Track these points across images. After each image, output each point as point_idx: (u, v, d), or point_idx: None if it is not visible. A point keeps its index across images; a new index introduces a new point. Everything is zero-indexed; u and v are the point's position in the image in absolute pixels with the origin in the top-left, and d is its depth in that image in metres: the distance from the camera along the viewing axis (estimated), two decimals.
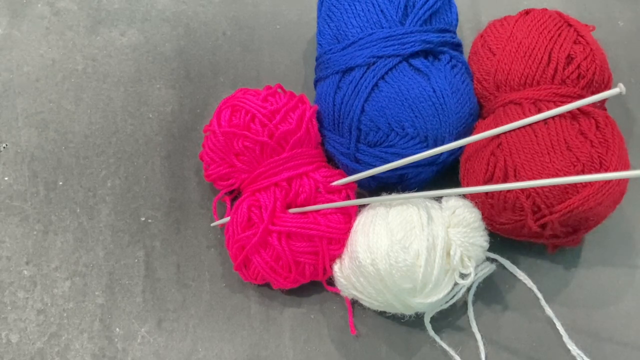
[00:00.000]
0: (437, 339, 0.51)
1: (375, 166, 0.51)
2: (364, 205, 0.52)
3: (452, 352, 0.51)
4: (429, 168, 0.52)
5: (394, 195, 0.50)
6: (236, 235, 0.51)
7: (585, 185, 0.46)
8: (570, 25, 0.52)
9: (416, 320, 0.51)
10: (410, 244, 0.47)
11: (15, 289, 0.54)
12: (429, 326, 0.51)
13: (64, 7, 0.66)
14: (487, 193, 0.49)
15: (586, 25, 0.54)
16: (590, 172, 0.46)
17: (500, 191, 0.48)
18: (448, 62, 0.53)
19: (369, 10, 0.53)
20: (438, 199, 0.50)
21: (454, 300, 0.50)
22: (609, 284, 0.54)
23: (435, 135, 0.51)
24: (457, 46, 0.55)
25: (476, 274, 0.49)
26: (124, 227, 0.56)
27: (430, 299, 0.47)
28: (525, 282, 0.53)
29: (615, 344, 0.52)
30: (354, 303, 0.52)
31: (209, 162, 0.54)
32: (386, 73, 0.51)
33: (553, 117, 0.48)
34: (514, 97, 0.51)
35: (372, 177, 0.52)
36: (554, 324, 0.52)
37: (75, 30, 0.65)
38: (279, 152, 0.52)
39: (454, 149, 0.51)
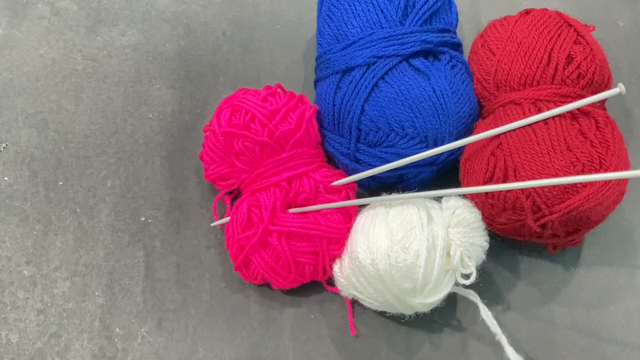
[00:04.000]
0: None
1: (375, 166, 0.51)
2: (364, 205, 0.52)
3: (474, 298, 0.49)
4: (429, 168, 0.52)
5: (394, 195, 0.50)
6: (236, 235, 0.51)
7: (585, 185, 0.46)
8: (570, 25, 0.52)
9: (416, 320, 0.51)
10: (410, 244, 0.47)
11: (15, 289, 0.54)
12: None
13: (64, 7, 0.66)
14: (487, 193, 0.49)
15: (586, 25, 0.54)
16: (590, 172, 0.46)
17: (500, 191, 0.48)
18: (448, 62, 0.53)
19: (369, 10, 0.53)
20: (438, 199, 0.50)
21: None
22: (609, 284, 0.54)
23: (435, 135, 0.51)
24: (457, 46, 0.55)
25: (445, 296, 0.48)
26: (124, 227, 0.56)
27: (430, 299, 0.47)
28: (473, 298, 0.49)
29: (615, 344, 0.52)
30: (354, 303, 0.52)
31: (209, 162, 0.54)
32: (386, 73, 0.51)
33: (553, 117, 0.48)
34: (514, 97, 0.51)
35: (372, 177, 0.52)
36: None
37: (75, 30, 0.65)
38: (279, 152, 0.52)
39: (454, 149, 0.51)
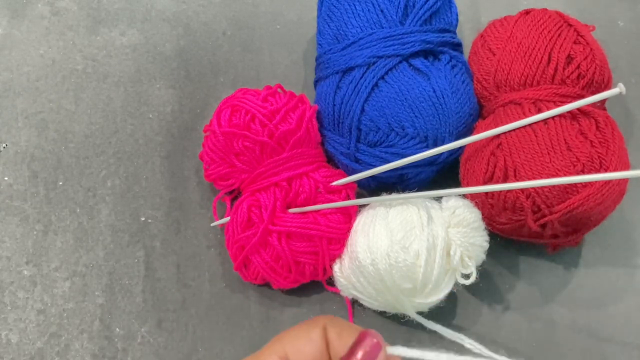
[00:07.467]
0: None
1: (375, 166, 0.51)
2: (364, 205, 0.52)
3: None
4: (429, 168, 0.52)
5: (394, 195, 0.50)
6: (236, 235, 0.51)
7: (585, 185, 0.46)
8: (570, 25, 0.52)
9: (416, 320, 0.51)
10: (410, 244, 0.47)
11: (15, 289, 0.54)
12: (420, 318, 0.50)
13: (64, 7, 0.66)
14: (487, 193, 0.49)
15: (586, 25, 0.54)
16: (590, 172, 0.46)
17: (500, 191, 0.48)
18: (448, 62, 0.53)
19: (369, 10, 0.53)
20: (438, 199, 0.50)
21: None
22: (609, 284, 0.54)
23: (435, 135, 0.51)
24: (457, 46, 0.55)
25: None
26: (124, 227, 0.56)
27: (430, 299, 0.47)
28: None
29: (615, 344, 0.52)
30: (354, 303, 0.52)
31: (209, 162, 0.54)
32: (386, 73, 0.51)
33: (553, 117, 0.48)
34: (514, 97, 0.51)
35: (372, 177, 0.52)
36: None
37: (75, 30, 0.65)
38: (279, 152, 0.52)
39: (454, 149, 0.51)
